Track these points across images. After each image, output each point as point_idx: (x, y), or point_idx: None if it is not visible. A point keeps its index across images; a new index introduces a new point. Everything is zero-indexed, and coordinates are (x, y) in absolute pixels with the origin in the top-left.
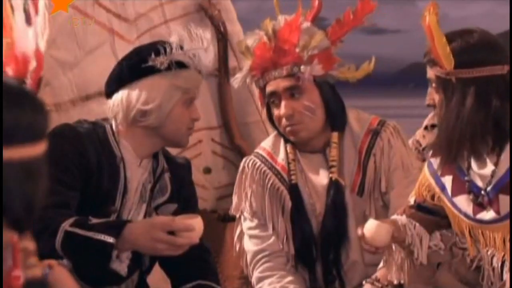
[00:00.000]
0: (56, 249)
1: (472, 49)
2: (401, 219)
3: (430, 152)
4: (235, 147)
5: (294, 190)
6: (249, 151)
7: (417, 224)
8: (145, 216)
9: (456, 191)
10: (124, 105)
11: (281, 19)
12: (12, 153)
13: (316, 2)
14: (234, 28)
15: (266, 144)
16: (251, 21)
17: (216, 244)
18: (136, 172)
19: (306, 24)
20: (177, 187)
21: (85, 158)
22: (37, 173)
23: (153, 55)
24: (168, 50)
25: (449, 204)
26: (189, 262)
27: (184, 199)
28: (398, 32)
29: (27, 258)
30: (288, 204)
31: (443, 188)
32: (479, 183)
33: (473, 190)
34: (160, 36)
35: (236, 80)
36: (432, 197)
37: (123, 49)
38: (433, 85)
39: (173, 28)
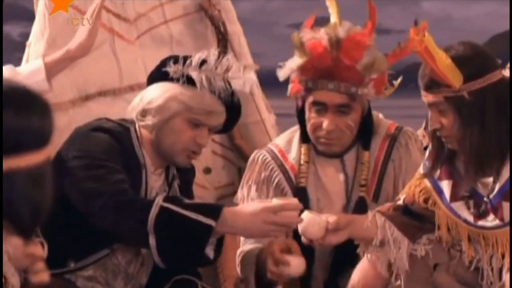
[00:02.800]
0: (147, 223)
1: (473, 59)
2: (378, 218)
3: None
4: (235, 147)
5: (301, 194)
6: (249, 151)
7: (395, 229)
8: None
9: (454, 197)
10: (136, 103)
11: (346, 26)
12: (20, 161)
13: (373, 13)
14: (234, 28)
15: (280, 141)
16: (255, 21)
17: None
18: (152, 180)
19: (369, 40)
20: (184, 192)
21: (121, 157)
22: (44, 179)
23: (171, 62)
24: (188, 62)
25: (445, 209)
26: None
27: None
28: (402, 32)
29: (34, 264)
30: None
31: (440, 192)
32: (480, 190)
33: (474, 197)
34: (160, 36)
35: (282, 74)
36: (425, 200)
37: (123, 49)
38: (439, 108)
39: (173, 28)
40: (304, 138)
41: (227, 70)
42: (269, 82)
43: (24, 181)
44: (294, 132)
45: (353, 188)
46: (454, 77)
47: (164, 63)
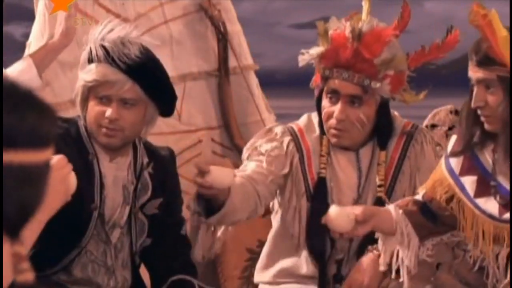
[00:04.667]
0: None
1: None
2: (396, 212)
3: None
4: (235, 147)
5: (321, 184)
6: None
7: (409, 225)
8: (129, 218)
9: (479, 192)
10: None
11: (371, 22)
12: (12, 157)
13: (406, 14)
14: (234, 28)
15: (301, 122)
16: (257, 22)
17: None
18: (108, 168)
19: (393, 39)
20: (160, 181)
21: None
22: (37, 180)
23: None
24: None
25: (470, 205)
26: (170, 257)
27: (169, 191)
28: (405, 32)
29: (19, 263)
30: (301, 188)
31: (462, 188)
32: (505, 184)
33: (500, 192)
34: (160, 36)
35: (302, 60)
36: (447, 201)
37: None
38: (488, 85)
39: (173, 28)
40: (323, 129)
41: (104, 35)
42: (269, 82)
43: (14, 178)
44: (313, 116)
45: (366, 184)
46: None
47: None
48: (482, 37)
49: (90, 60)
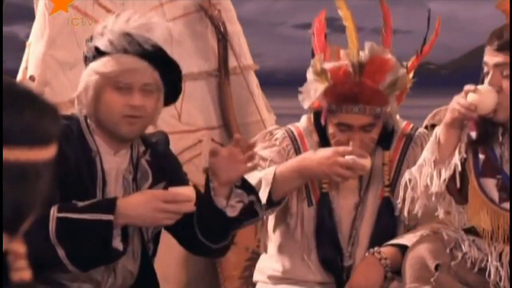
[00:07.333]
0: (50, 238)
1: None
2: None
3: None
4: None
5: (324, 199)
6: None
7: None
8: None
9: (485, 172)
10: None
11: (367, 49)
12: (8, 154)
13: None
14: (234, 28)
15: (301, 124)
16: (260, 22)
17: None
18: (112, 162)
19: (392, 60)
20: (159, 165)
21: (63, 158)
22: (34, 178)
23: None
24: (93, 35)
25: (475, 183)
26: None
27: (170, 172)
28: (409, 32)
29: (16, 261)
30: (302, 193)
31: (476, 163)
32: (506, 169)
33: (503, 185)
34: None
35: (307, 103)
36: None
37: None
38: (504, 71)
39: (173, 28)
40: (323, 144)
41: (126, 22)
42: (269, 82)
43: (10, 175)
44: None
45: (369, 186)
46: None
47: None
48: (507, 23)
49: (99, 53)
